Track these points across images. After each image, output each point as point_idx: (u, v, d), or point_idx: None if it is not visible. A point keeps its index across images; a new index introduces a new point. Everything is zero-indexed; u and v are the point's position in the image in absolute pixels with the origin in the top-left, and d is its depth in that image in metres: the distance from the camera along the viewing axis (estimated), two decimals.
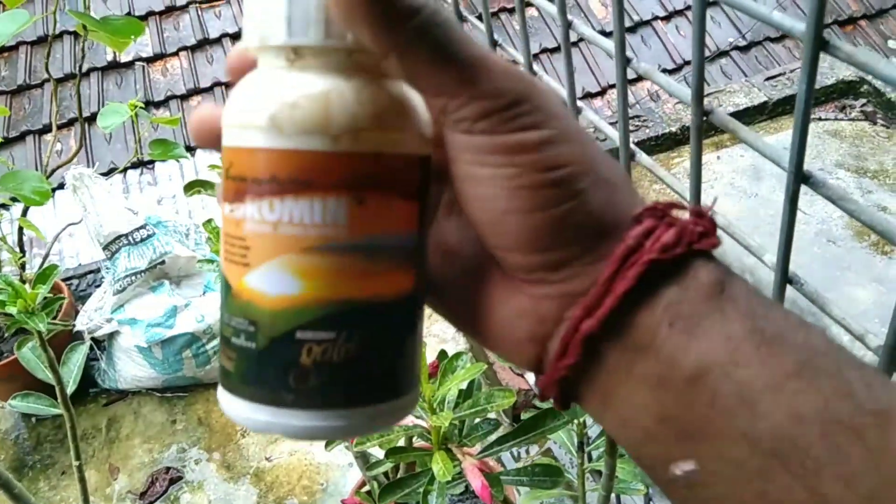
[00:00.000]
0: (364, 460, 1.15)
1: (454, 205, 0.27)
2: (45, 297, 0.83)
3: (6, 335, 1.79)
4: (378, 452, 0.92)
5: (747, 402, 0.21)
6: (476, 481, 0.70)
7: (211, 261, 0.94)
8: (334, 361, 0.24)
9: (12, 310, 0.79)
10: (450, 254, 0.27)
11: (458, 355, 0.75)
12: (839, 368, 0.22)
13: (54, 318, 0.85)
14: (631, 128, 2.33)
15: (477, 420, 0.73)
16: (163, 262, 1.67)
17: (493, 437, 0.75)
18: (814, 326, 0.23)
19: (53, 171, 1.70)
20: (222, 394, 0.26)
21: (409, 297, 0.25)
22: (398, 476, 1.12)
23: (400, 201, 0.24)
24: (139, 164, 2.62)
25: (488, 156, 0.23)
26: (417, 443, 0.74)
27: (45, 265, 0.82)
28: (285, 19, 0.23)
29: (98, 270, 2.11)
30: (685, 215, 0.25)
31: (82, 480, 0.96)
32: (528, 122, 0.23)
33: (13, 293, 0.81)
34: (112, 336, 1.72)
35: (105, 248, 1.66)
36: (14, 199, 1.62)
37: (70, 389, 0.91)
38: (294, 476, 1.60)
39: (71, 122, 2.68)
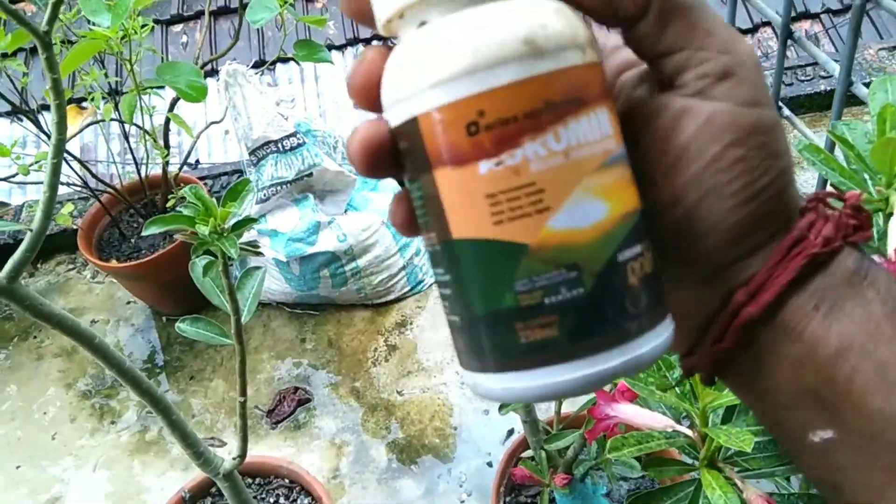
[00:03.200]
0: (534, 428, 1.03)
1: None
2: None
3: (139, 232, 1.74)
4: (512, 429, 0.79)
5: (885, 379, 0.22)
6: None
7: None
8: (648, 274, 0.23)
9: (203, 229, 0.69)
10: None
11: None
12: None
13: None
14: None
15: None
16: (310, 175, 1.56)
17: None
18: None
19: (205, 64, 1.61)
20: (532, 377, 0.22)
21: None
22: (575, 455, 1.00)
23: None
24: (260, 64, 2.51)
25: (720, 129, 0.23)
26: (662, 451, 0.61)
27: (239, 181, 0.70)
28: None
29: (233, 172, 2.04)
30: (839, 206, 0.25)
31: (244, 417, 0.88)
32: (761, 96, 0.23)
33: (203, 210, 0.70)
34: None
35: (251, 153, 1.56)
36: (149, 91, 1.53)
37: (245, 319, 0.82)
38: (426, 415, 1.52)
39: (197, 15, 2.61)
